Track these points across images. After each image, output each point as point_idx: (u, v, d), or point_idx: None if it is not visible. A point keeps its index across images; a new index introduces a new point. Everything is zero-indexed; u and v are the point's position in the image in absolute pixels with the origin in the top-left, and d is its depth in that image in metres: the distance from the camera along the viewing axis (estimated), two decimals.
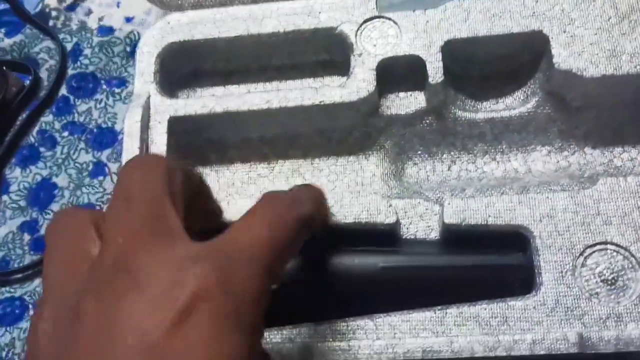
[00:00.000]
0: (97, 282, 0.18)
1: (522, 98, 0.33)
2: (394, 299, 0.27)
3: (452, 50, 0.32)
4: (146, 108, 0.32)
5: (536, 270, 0.27)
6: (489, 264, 0.27)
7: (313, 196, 0.24)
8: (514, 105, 0.33)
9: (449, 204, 0.28)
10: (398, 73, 0.32)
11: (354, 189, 0.33)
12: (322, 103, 0.32)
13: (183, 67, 0.35)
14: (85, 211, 0.21)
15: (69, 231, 0.20)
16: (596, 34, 0.31)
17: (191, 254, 0.18)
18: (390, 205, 0.29)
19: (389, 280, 0.27)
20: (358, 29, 0.33)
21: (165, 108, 0.32)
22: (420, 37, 0.32)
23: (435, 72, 0.31)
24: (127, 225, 0.19)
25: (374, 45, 0.32)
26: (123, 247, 0.18)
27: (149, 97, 0.33)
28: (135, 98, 0.33)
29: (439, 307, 0.26)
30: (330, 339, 0.26)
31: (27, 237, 0.36)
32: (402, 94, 0.33)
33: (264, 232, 0.20)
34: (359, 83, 0.32)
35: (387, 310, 0.27)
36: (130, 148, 0.31)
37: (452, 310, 0.26)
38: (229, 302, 0.17)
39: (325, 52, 0.35)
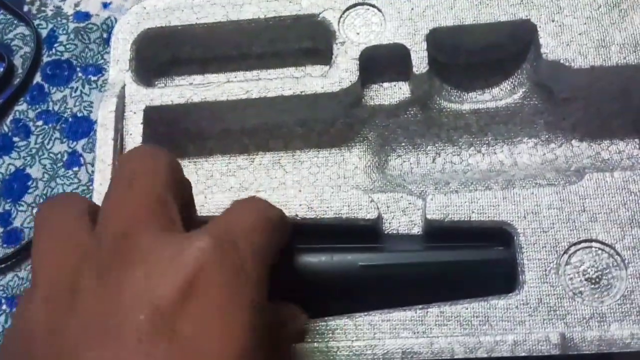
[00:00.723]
0: (96, 259, 0.17)
1: (508, 89, 0.33)
2: (374, 297, 0.26)
3: (438, 39, 0.31)
4: (121, 97, 0.31)
5: (519, 269, 0.26)
6: (471, 261, 0.27)
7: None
8: (500, 96, 0.33)
9: (431, 199, 0.28)
10: (382, 62, 0.31)
11: (335, 182, 0.32)
12: (303, 93, 0.31)
13: (160, 55, 0.34)
14: (78, 197, 0.21)
15: (62, 216, 0.20)
16: (585, 23, 0.30)
17: (191, 234, 0.18)
18: (372, 201, 0.28)
19: (369, 278, 0.26)
20: (341, 17, 0.32)
21: (141, 97, 0.31)
22: (405, 25, 0.31)
23: (420, 61, 0.30)
24: (129, 204, 0.18)
25: (357, 34, 0.31)
26: (124, 224, 0.18)
27: (123, 86, 0.32)
28: (109, 87, 0.32)
29: (420, 306, 0.26)
30: (309, 340, 0.25)
31: (0, 229, 0.35)
32: (385, 84, 0.32)
33: (256, 213, 0.21)
34: (341, 73, 0.30)
35: (368, 309, 0.26)
36: (104, 139, 0.30)
37: (433, 310, 0.26)
38: (234, 269, 0.17)
39: (308, 39, 0.34)
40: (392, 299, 0.26)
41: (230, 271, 0.17)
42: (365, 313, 0.26)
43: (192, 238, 0.18)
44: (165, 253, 0.17)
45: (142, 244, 0.17)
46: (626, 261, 0.26)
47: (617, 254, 0.26)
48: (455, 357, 0.24)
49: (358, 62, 0.31)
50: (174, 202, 0.19)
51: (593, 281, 0.25)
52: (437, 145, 0.33)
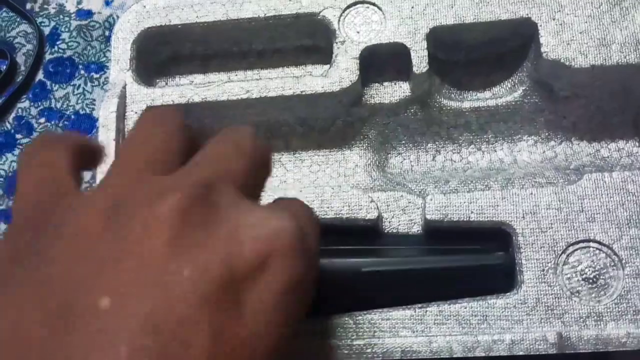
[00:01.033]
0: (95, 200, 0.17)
1: (509, 87, 0.33)
2: (374, 296, 0.27)
3: (438, 38, 0.31)
4: (122, 97, 0.31)
5: (518, 268, 0.26)
6: (471, 266, 0.27)
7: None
8: (500, 94, 0.33)
9: (431, 199, 0.28)
10: (382, 61, 0.31)
11: (336, 180, 0.32)
12: (303, 93, 0.31)
13: (160, 54, 0.34)
14: (61, 144, 0.20)
15: (40, 168, 0.19)
16: (586, 21, 0.30)
17: (271, 208, 0.18)
18: (372, 201, 0.28)
19: (370, 280, 0.27)
20: (341, 15, 0.32)
21: (142, 97, 0.31)
22: (405, 24, 0.31)
23: (420, 61, 0.30)
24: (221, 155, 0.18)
25: (357, 32, 0.31)
26: (210, 174, 0.17)
27: (124, 86, 0.32)
28: (110, 87, 0.32)
29: (419, 305, 0.26)
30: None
31: (3, 226, 0.36)
32: (386, 83, 0.32)
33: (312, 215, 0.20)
34: (341, 72, 0.31)
35: (367, 308, 0.26)
36: (105, 139, 0.30)
37: (432, 309, 0.26)
38: (305, 258, 0.17)
39: (308, 38, 0.34)
40: (392, 300, 0.26)
41: (303, 259, 0.16)
42: (365, 312, 0.26)
43: (273, 212, 0.17)
44: (248, 219, 0.16)
45: (224, 201, 0.17)
46: (623, 261, 0.26)
47: (615, 254, 0.26)
48: (454, 355, 0.24)
49: (358, 61, 0.31)
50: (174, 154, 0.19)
51: (590, 281, 0.26)
52: (437, 143, 0.33)
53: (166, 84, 0.35)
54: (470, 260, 0.27)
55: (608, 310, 0.25)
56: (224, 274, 0.15)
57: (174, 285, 0.15)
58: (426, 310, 0.26)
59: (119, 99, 0.31)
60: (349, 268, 0.26)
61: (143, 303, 0.14)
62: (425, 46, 0.30)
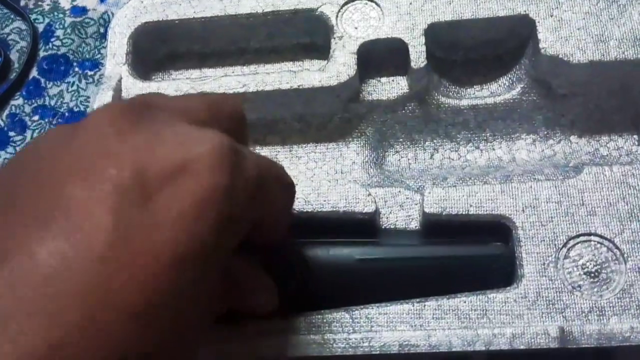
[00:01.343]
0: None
1: (507, 84, 0.33)
2: (371, 291, 0.26)
3: (436, 34, 0.31)
4: (117, 91, 0.31)
5: (518, 262, 0.26)
6: (469, 255, 0.26)
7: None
8: (498, 91, 0.32)
9: (429, 193, 0.28)
10: (380, 57, 0.31)
11: (333, 177, 0.32)
12: (300, 87, 0.30)
13: (157, 49, 0.34)
14: None
15: None
16: (584, 18, 0.30)
17: (210, 130, 0.18)
18: (369, 194, 0.28)
19: (367, 272, 0.26)
20: (339, 11, 0.32)
21: (137, 91, 0.31)
22: (403, 20, 0.31)
23: (417, 56, 0.30)
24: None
25: (355, 28, 0.31)
26: (153, 99, 0.19)
27: (120, 80, 0.31)
28: (105, 80, 0.32)
29: (418, 300, 0.25)
30: (305, 332, 0.25)
31: None
32: (384, 79, 0.32)
33: (278, 170, 0.21)
34: (339, 67, 0.30)
35: (365, 303, 0.26)
36: None
37: (431, 303, 0.25)
38: (230, 180, 0.17)
39: (306, 34, 0.34)
40: (389, 293, 0.26)
41: (225, 174, 0.17)
42: (362, 306, 0.26)
43: (207, 130, 0.17)
44: (178, 131, 0.17)
45: (161, 118, 0.17)
46: (625, 255, 0.25)
47: (617, 247, 0.25)
48: (453, 349, 0.24)
49: (356, 56, 0.30)
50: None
51: (592, 275, 0.25)
52: (435, 141, 0.33)
53: (162, 80, 0.34)
54: (469, 251, 0.26)
55: (610, 304, 0.25)
56: (135, 172, 0.16)
57: (88, 174, 0.16)
58: (424, 305, 0.25)
59: (114, 92, 0.31)
60: (343, 258, 0.26)
61: (69, 180, 0.16)
62: (424, 42, 0.30)
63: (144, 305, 0.15)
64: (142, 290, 0.15)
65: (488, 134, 0.32)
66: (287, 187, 0.22)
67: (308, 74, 0.30)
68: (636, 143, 0.31)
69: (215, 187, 0.16)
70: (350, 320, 0.25)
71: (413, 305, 0.25)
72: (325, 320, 0.25)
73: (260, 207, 0.20)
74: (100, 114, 0.17)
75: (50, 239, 0.15)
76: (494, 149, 0.32)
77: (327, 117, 0.32)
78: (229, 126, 0.20)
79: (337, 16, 0.32)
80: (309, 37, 0.34)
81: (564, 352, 0.24)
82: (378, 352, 0.24)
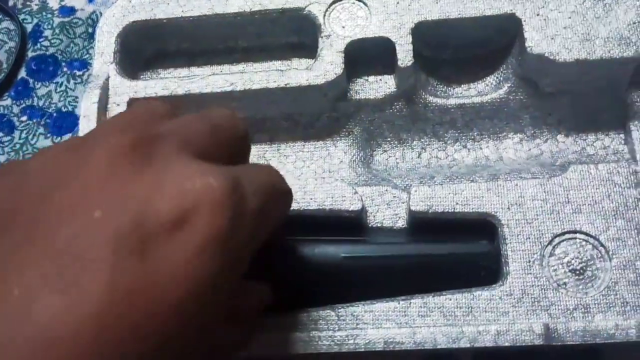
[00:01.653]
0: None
1: (494, 84, 0.33)
2: (357, 288, 0.26)
3: (423, 33, 0.31)
4: (104, 89, 0.31)
5: (503, 260, 0.26)
6: (454, 252, 0.26)
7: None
8: (486, 91, 0.33)
9: (415, 191, 0.28)
10: (367, 56, 0.31)
11: (320, 176, 0.32)
12: (287, 86, 0.30)
13: (145, 48, 0.34)
14: None
15: None
16: (570, 17, 0.30)
17: (208, 166, 0.18)
18: (356, 192, 0.28)
19: (353, 270, 0.26)
20: (326, 10, 0.32)
21: (125, 89, 0.31)
22: (390, 19, 0.31)
23: (405, 55, 0.30)
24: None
25: (342, 27, 0.31)
26: (153, 129, 0.18)
27: (107, 79, 0.31)
28: (93, 79, 0.31)
29: (403, 297, 0.25)
30: (291, 330, 0.25)
31: None
32: (371, 78, 0.32)
33: (270, 178, 0.21)
34: (326, 65, 0.30)
35: (350, 301, 0.26)
36: (87, 130, 0.30)
37: (416, 301, 0.25)
38: (234, 220, 0.17)
39: (294, 33, 0.34)
40: (375, 291, 0.26)
41: (227, 219, 0.16)
42: (348, 304, 0.26)
43: (207, 169, 0.17)
44: (177, 172, 0.17)
45: (163, 153, 0.17)
46: (610, 252, 0.25)
47: (602, 245, 0.26)
48: (438, 346, 0.24)
49: (343, 55, 0.31)
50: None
51: (577, 272, 0.25)
52: (422, 140, 0.33)
53: (150, 78, 0.34)
54: (455, 248, 0.26)
55: (595, 302, 0.25)
56: (134, 223, 0.15)
57: (85, 221, 0.15)
58: (410, 302, 0.25)
59: (101, 90, 0.31)
60: (329, 256, 0.26)
61: (62, 224, 0.15)
62: (411, 40, 0.30)
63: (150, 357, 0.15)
64: (143, 340, 0.15)
65: (475, 133, 0.32)
66: (285, 196, 0.22)
67: (295, 73, 0.30)
68: (622, 142, 0.31)
69: (217, 233, 0.16)
70: (336, 317, 0.25)
71: (399, 303, 0.25)
72: (311, 318, 0.25)
73: (262, 229, 0.19)
74: (104, 148, 0.16)
75: (46, 294, 0.14)
76: (481, 148, 0.32)
77: (315, 116, 0.32)
78: (231, 149, 0.20)
79: (324, 15, 0.32)
80: (297, 36, 0.34)
81: (552, 350, 0.24)
82: (363, 350, 0.24)
